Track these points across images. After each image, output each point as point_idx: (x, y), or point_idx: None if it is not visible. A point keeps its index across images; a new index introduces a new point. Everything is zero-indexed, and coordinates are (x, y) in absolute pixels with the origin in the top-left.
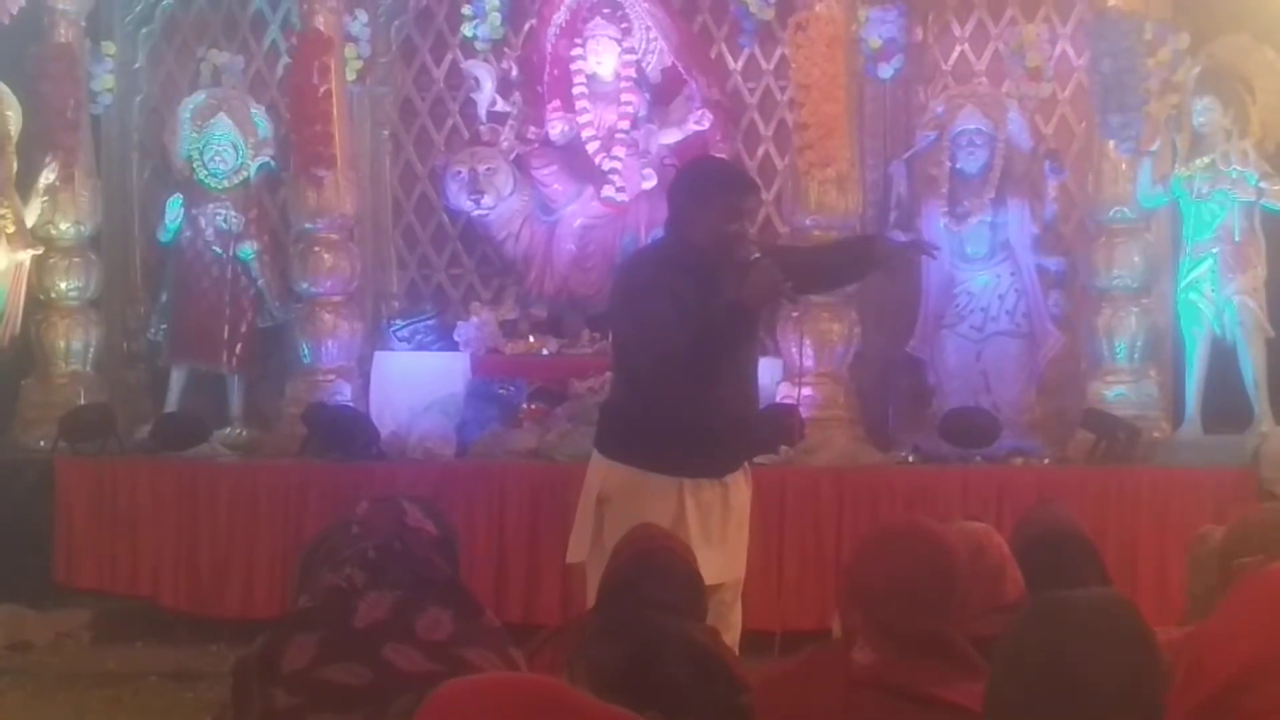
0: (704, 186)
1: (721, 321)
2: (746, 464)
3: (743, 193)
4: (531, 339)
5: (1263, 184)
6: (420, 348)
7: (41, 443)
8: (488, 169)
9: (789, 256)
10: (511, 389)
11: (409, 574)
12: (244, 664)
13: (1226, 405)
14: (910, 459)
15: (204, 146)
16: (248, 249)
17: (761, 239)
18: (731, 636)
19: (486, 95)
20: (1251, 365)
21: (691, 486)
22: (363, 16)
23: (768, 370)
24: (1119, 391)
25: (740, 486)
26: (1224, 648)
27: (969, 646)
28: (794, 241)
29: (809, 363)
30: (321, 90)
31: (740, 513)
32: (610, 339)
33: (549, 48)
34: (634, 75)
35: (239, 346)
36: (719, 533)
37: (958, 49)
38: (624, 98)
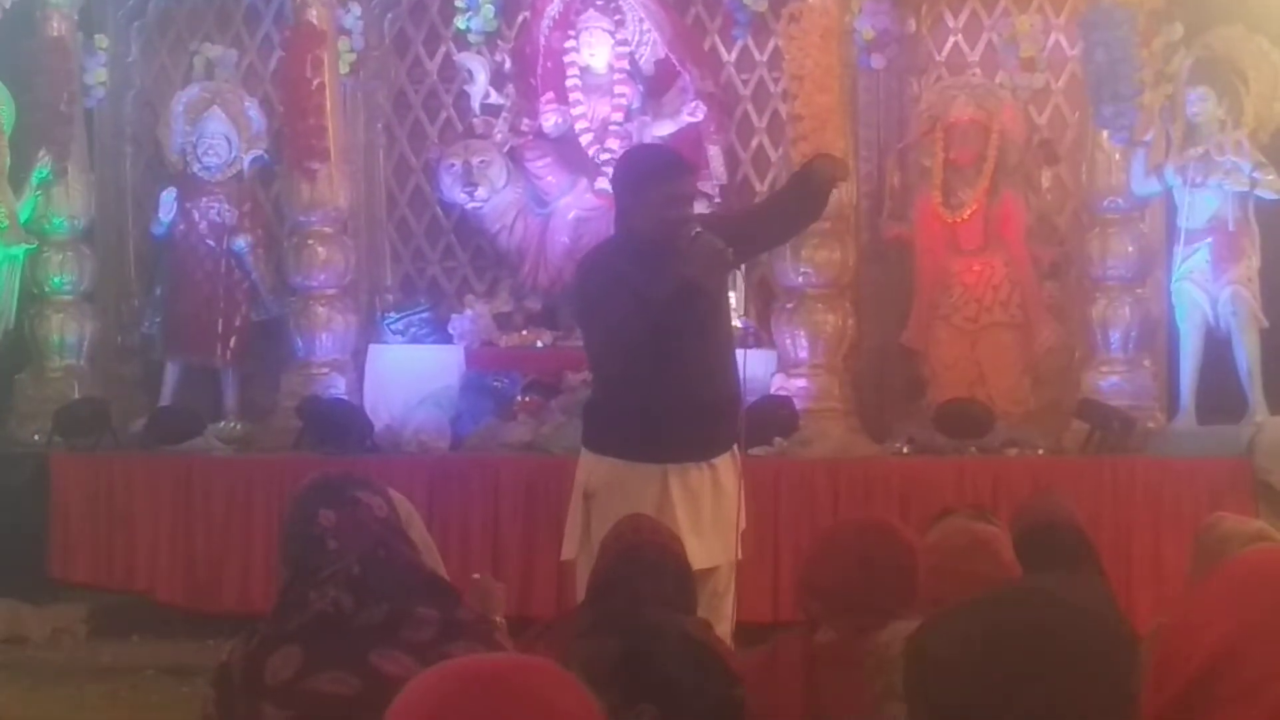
0: (639, 178)
1: (672, 302)
2: (736, 448)
3: (676, 178)
4: (525, 332)
5: (1256, 174)
6: (414, 341)
7: (36, 437)
8: (481, 162)
9: (731, 222)
10: (506, 382)
11: (393, 582)
12: (225, 674)
13: (1221, 395)
14: (905, 450)
15: (197, 140)
16: (241, 242)
17: (701, 214)
18: (724, 628)
19: (480, 88)
20: (1246, 355)
21: (676, 471)
22: (355, 9)
23: (762, 362)
24: (1113, 382)
25: (727, 468)
26: (1196, 636)
27: None
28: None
29: (803, 354)
30: (315, 83)
31: (729, 495)
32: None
33: (542, 40)
34: (627, 67)
35: (233, 340)
36: (709, 516)
37: (951, 40)
38: (617, 90)
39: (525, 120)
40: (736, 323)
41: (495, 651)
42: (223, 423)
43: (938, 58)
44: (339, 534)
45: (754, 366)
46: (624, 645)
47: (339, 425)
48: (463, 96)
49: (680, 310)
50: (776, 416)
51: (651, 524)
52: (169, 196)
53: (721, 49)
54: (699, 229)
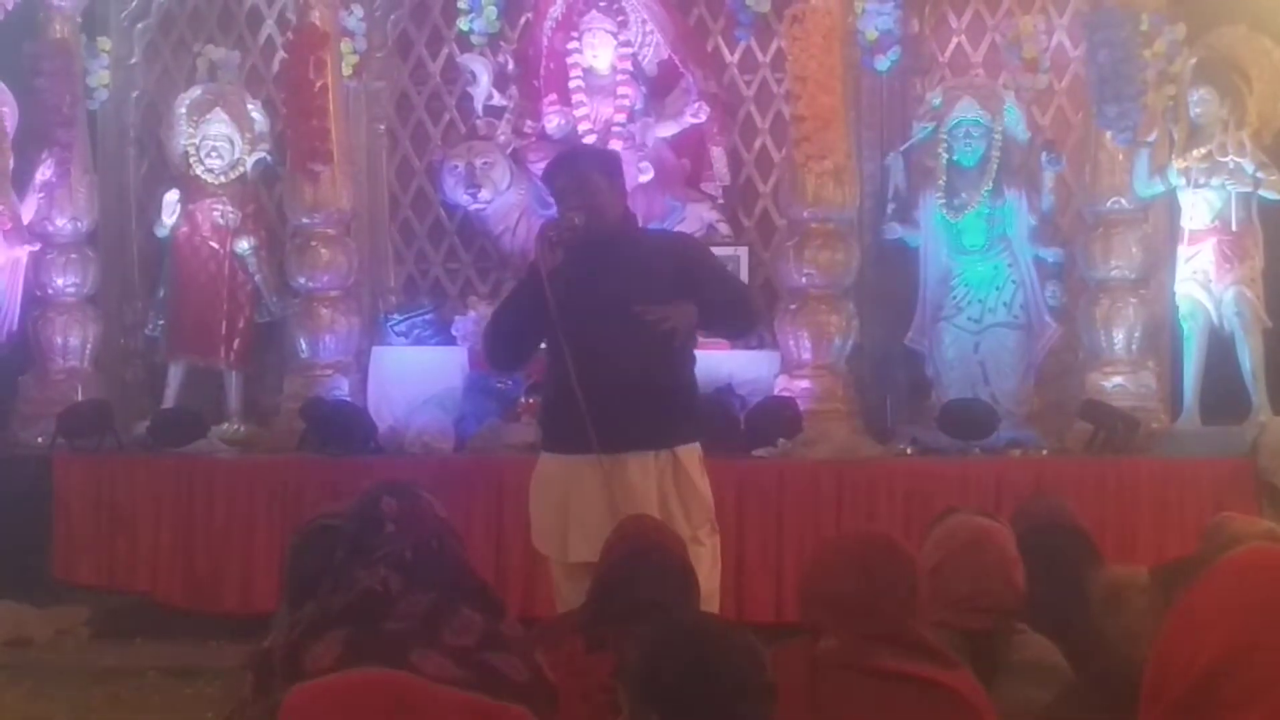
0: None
1: (520, 290)
2: (677, 450)
3: (551, 177)
4: None
5: (1259, 174)
6: (418, 342)
7: (39, 439)
8: (484, 163)
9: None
10: (509, 383)
11: (443, 576)
12: (266, 659)
13: (1224, 396)
14: (909, 451)
15: (200, 142)
16: (245, 244)
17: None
18: None
19: (483, 89)
20: (1249, 355)
21: (574, 462)
22: (358, 11)
23: (766, 363)
24: (1117, 382)
25: (641, 467)
26: (1195, 640)
27: (933, 637)
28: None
29: (807, 355)
30: (317, 85)
31: (643, 493)
32: None
33: (545, 41)
34: (630, 69)
35: (236, 342)
36: (600, 512)
37: (954, 41)
38: (620, 91)
39: (528, 122)
40: None
41: (532, 665)
42: (226, 425)
43: (941, 58)
44: (399, 519)
45: (758, 368)
46: (694, 659)
47: (342, 427)
48: (466, 98)
49: (532, 299)
50: (780, 417)
51: (655, 526)
52: (172, 198)
53: (724, 50)
54: (549, 221)
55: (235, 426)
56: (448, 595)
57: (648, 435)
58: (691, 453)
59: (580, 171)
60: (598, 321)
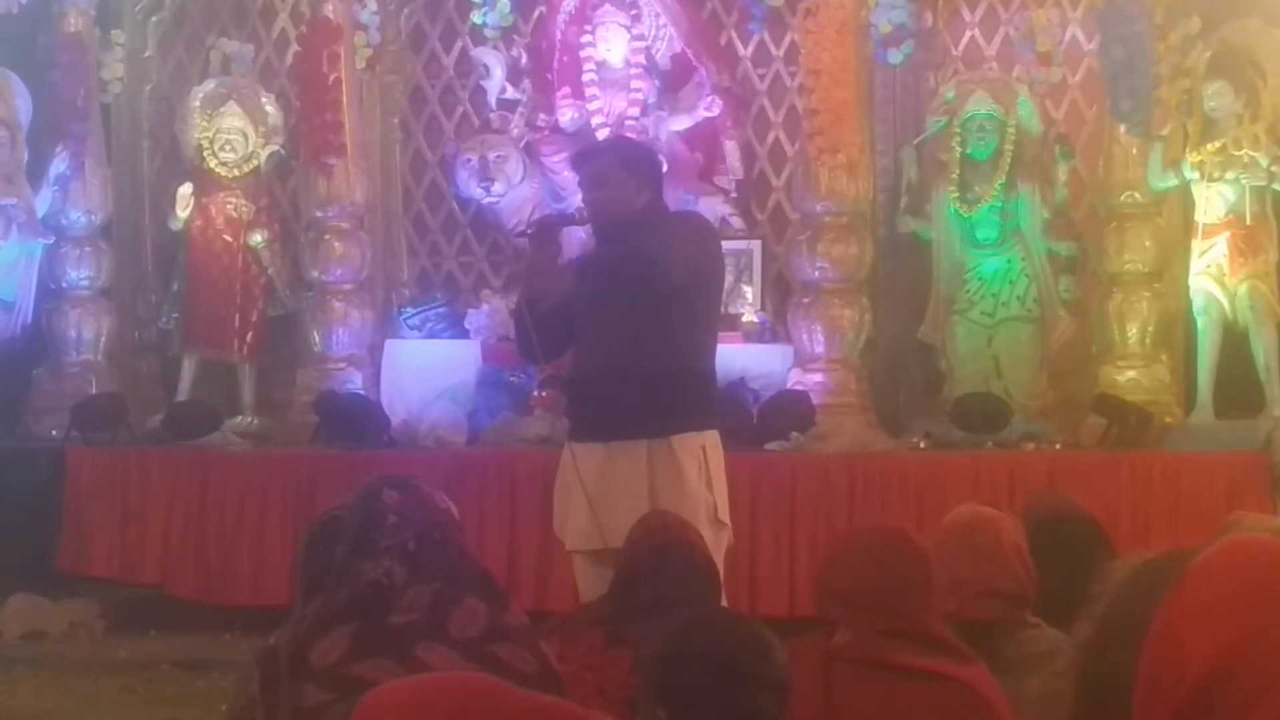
0: None
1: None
2: (672, 440)
3: (575, 167)
4: None
5: (1274, 168)
6: (431, 335)
7: (53, 432)
8: (498, 156)
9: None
10: (523, 377)
11: (446, 565)
12: (272, 656)
13: (1238, 390)
14: (922, 445)
15: (214, 135)
16: (258, 237)
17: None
18: None
19: (496, 83)
20: (1263, 349)
21: (581, 450)
22: (372, 4)
23: (778, 357)
24: (1130, 376)
25: (635, 455)
26: (1183, 649)
27: (948, 631)
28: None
29: (820, 349)
30: (331, 78)
31: (633, 483)
32: None
33: (558, 35)
34: (644, 62)
35: (250, 335)
36: (596, 497)
37: (968, 34)
38: (634, 85)
39: (541, 115)
40: (753, 316)
41: (538, 655)
42: (239, 418)
43: (954, 52)
44: (400, 511)
45: (771, 361)
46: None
47: (355, 420)
48: (479, 91)
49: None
50: (793, 411)
51: (679, 521)
52: (186, 191)
53: (738, 43)
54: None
55: (248, 420)
56: (451, 584)
57: (636, 424)
58: (688, 442)
59: (599, 163)
60: (596, 310)
